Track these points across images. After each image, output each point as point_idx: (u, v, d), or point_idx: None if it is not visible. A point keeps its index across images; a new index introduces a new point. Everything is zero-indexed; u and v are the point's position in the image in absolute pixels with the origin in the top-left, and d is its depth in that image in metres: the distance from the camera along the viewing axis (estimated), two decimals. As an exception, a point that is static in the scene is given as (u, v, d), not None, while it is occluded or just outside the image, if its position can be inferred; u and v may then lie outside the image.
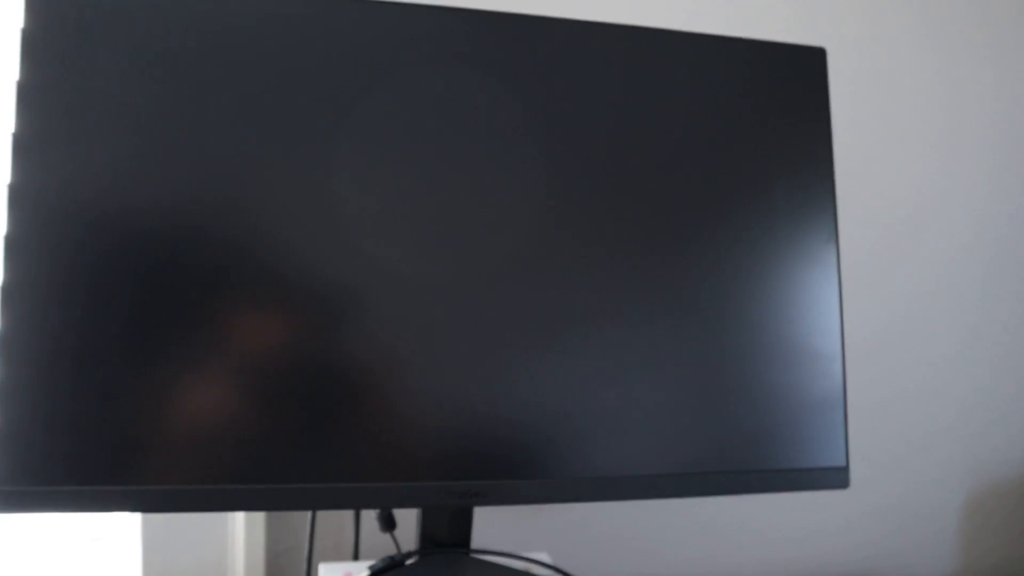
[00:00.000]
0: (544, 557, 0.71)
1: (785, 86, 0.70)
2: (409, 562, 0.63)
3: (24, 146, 0.56)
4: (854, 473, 0.94)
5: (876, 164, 0.96)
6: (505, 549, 0.81)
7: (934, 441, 0.97)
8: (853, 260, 0.94)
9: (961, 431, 0.97)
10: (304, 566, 0.77)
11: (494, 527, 0.82)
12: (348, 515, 0.78)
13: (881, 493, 0.95)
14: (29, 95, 0.56)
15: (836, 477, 0.67)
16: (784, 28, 0.93)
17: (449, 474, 0.60)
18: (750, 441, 0.66)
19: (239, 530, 0.74)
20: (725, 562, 0.90)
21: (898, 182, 0.96)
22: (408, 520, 0.77)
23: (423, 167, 0.61)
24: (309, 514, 0.72)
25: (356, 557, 0.73)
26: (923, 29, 0.97)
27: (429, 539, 0.65)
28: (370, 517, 0.76)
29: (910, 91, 0.97)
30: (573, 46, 0.65)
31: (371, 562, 0.66)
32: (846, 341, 0.94)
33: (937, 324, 0.97)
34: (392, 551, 0.75)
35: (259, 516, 0.75)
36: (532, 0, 0.82)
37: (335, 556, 0.78)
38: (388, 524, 0.68)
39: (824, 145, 0.70)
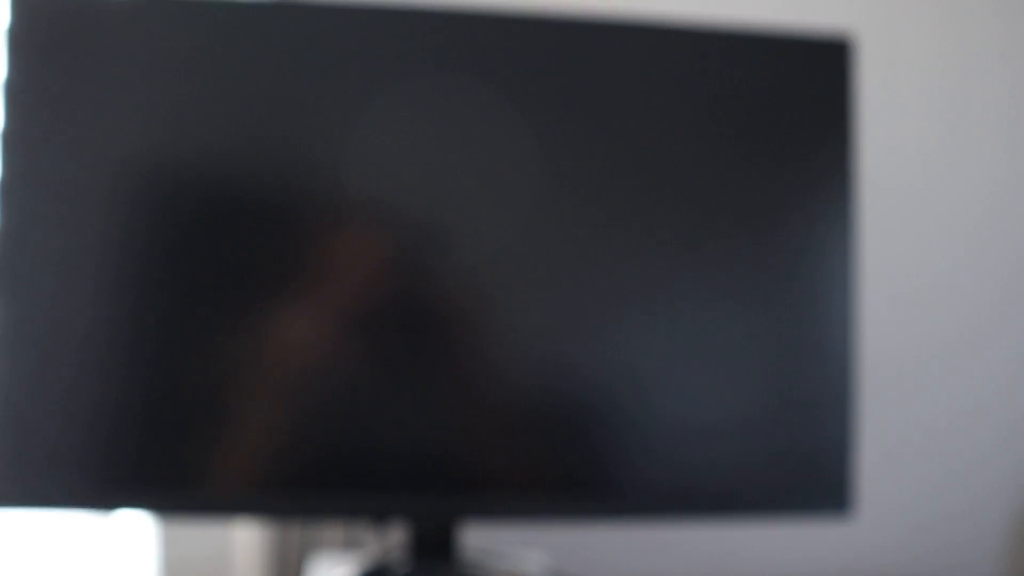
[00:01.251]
0: (541, 560, 0.70)
1: (801, 85, 0.64)
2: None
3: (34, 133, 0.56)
4: (891, 498, 0.88)
5: (922, 164, 0.90)
6: (504, 541, 0.79)
7: (978, 464, 0.91)
8: (901, 270, 0.89)
9: (1011, 453, 0.92)
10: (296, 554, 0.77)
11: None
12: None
13: (921, 516, 0.90)
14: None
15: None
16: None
17: (432, 486, 0.59)
18: (737, 464, 0.64)
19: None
20: (739, 566, 0.87)
21: (964, 182, 0.90)
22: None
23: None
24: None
25: (348, 546, 0.73)
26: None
27: (418, 545, 0.64)
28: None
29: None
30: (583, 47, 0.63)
31: (360, 553, 0.67)
32: (896, 360, 0.88)
33: (988, 341, 0.91)
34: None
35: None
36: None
37: (328, 542, 0.77)
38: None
39: (844, 156, 0.65)
